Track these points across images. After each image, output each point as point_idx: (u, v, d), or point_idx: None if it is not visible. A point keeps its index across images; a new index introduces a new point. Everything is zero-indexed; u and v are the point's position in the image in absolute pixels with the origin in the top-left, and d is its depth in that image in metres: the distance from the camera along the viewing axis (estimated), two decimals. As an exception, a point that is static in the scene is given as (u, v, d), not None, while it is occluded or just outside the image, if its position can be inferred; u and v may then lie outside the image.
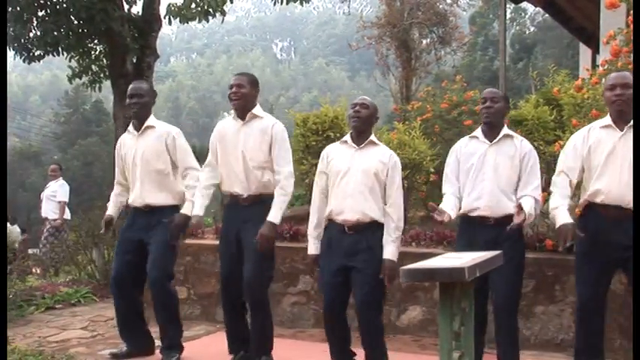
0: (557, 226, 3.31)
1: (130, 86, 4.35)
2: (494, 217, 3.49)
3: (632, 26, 4.50)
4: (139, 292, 4.32)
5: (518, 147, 3.55)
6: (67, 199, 8.96)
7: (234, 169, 3.92)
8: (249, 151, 3.88)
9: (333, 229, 3.65)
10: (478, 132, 3.66)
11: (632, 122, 3.26)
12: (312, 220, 3.78)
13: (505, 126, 3.64)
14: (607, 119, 3.38)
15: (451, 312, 2.34)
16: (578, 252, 3.46)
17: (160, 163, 4.19)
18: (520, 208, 3.32)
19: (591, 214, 3.37)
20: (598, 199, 3.31)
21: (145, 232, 4.18)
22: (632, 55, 4.43)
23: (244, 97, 3.91)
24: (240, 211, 3.93)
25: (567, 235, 3.23)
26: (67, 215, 9.05)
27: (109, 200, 4.53)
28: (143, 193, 4.19)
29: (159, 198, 4.19)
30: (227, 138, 3.98)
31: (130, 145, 4.30)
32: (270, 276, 3.97)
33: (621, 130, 3.28)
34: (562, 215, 3.30)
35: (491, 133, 3.59)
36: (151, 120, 4.26)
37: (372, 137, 3.69)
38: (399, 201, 3.60)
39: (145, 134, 4.23)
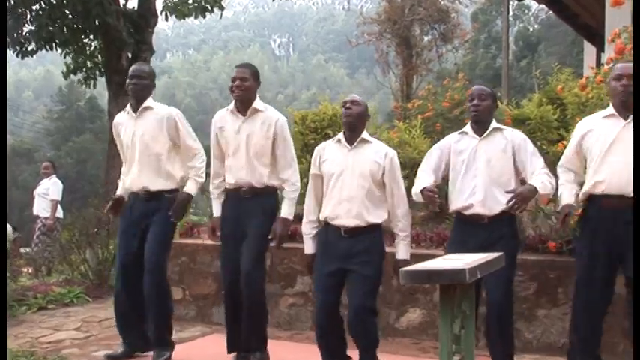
0: (561, 205, 3.54)
1: (132, 67, 4.32)
2: (488, 215, 3.48)
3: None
4: (141, 282, 4.18)
5: (509, 138, 3.55)
6: (59, 198, 8.94)
7: (237, 164, 3.91)
8: (253, 147, 3.88)
9: (328, 232, 3.63)
10: (467, 128, 3.66)
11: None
12: (307, 219, 3.80)
13: (494, 120, 3.65)
14: (610, 109, 3.42)
15: (452, 314, 2.35)
16: (577, 250, 3.48)
17: (158, 146, 4.11)
18: (513, 193, 3.35)
19: (592, 208, 3.39)
20: (599, 190, 3.32)
21: (145, 218, 4.13)
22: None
23: (248, 91, 3.89)
24: (241, 203, 3.93)
25: (566, 212, 3.46)
26: (60, 214, 9.02)
27: (102, 198, 4.49)
28: (142, 178, 4.11)
29: (158, 183, 4.12)
30: (228, 133, 3.95)
31: (126, 125, 4.21)
32: (265, 268, 4.05)
33: (625, 119, 3.32)
34: (566, 195, 3.52)
35: (480, 128, 3.60)
36: (149, 101, 4.17)
37: (365, 135, 3.65)
38: (401, 200, 3.59)
39: (144, 116, 4.14)
